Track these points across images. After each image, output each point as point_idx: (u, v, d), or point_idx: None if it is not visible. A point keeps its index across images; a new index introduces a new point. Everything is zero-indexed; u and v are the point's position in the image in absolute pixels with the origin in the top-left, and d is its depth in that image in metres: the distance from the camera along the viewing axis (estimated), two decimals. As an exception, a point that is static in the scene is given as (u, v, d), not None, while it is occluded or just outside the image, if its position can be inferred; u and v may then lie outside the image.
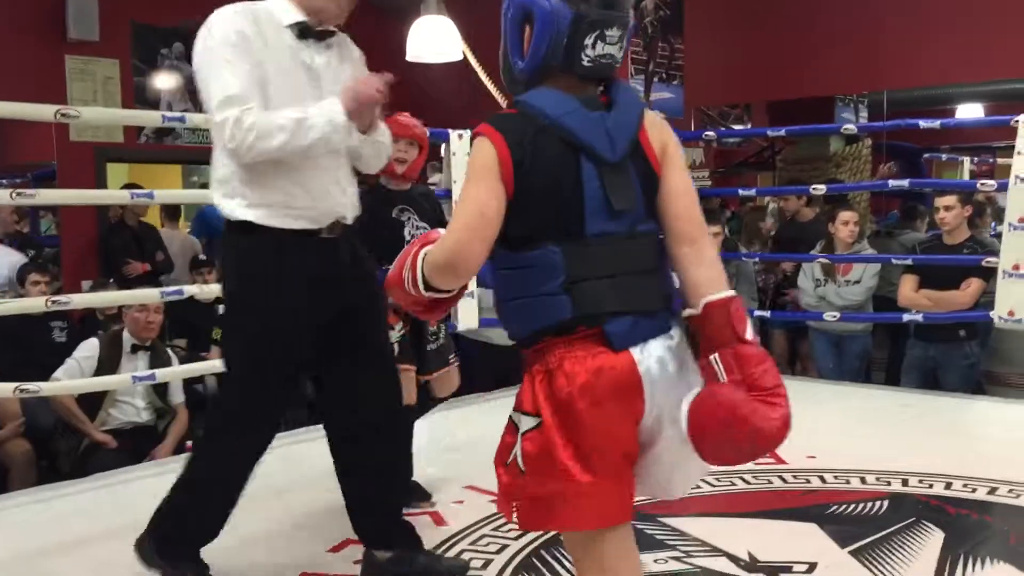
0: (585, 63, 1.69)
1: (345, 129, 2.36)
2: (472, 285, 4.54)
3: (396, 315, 3.09)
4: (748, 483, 3.46)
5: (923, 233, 6.21)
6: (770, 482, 3.48)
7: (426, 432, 4.00)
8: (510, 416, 1.72)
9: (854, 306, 5.33)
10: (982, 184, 5.06)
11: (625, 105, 1.74)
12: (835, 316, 5.16)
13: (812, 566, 2.72)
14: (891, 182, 5.36)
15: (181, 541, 2.54)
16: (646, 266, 1.72)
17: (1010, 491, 3.31)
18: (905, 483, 3.43)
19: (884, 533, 2.94)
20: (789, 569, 2.71)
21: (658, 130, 1.76)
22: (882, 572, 2.67)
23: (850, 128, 5.81)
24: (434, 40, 5.76)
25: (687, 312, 1.69)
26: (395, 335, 3.08)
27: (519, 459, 1.67)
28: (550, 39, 1.68)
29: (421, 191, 3.54)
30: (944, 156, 10.04)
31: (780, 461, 3.64)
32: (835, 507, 3.22)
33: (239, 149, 2.28)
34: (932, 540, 2.89)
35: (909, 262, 5.02)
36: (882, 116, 8.13)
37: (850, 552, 2.82)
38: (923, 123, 4.90)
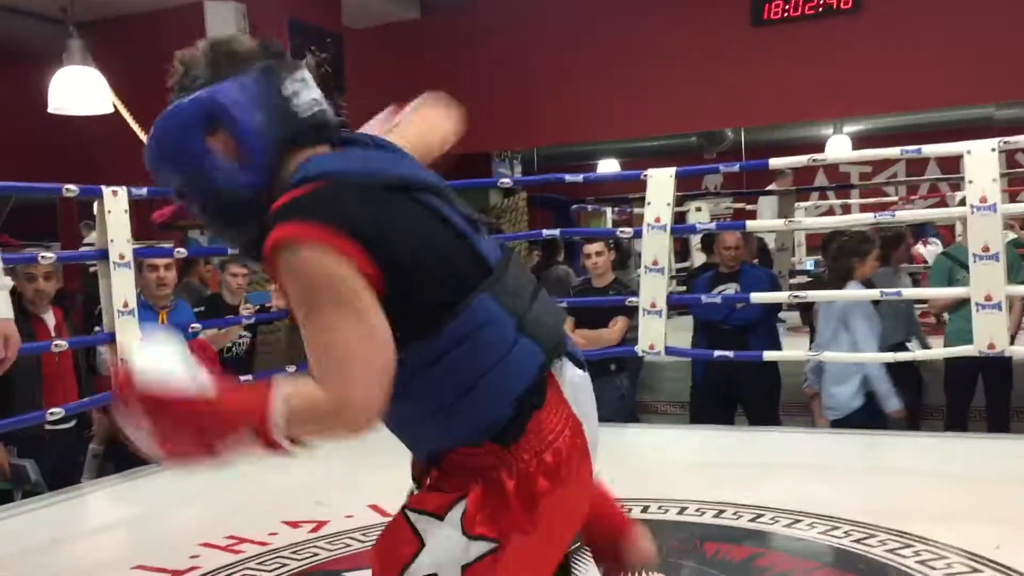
0: (312, 111, 1.46)
1: None
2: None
3: None
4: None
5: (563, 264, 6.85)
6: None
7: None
8: (411, 521, 1.38)
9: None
10: (621, 231, 5.60)
11: (393, 149, 1.52)
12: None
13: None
14: (544, 232, 5.77)
15: None
16: (534, 285, 1.51)
17: (659, 508, 3.66)
18: (571, 510, 3.68)
19: (555, 560, 3.13)
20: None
21: None
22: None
23: (506, 182, 6.19)
24: (79, 91, 5.41)
25: None
26: None
27: None
28: (258, 106, 1.44)
29: None
30: (590, 207, 11.01)
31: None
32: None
33: None
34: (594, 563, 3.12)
35: (564, 304, 5.43)
36: (533, 171, 8.77)
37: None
38: (568, 177, 5.34)
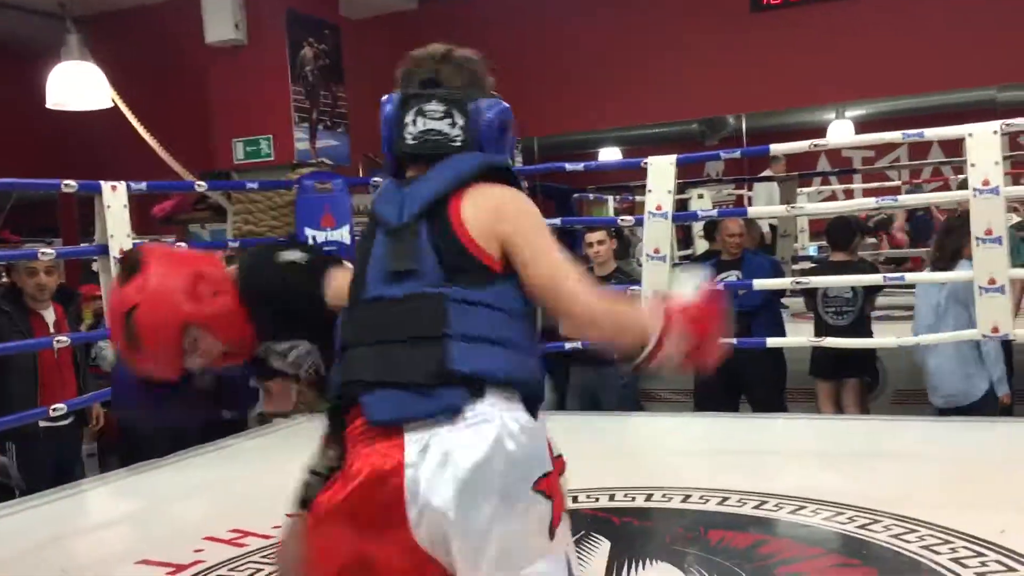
0: (409, 141, 1.71)
1: None
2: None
3: None
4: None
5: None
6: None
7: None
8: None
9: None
10: (622, 220, 5.58)
11: (434, 175, 1.69)
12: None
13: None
14: (546, 221, 5.74)
15: None
16: (419, 332, 1.58)
17: (663, 496, 3.66)
18: (575, 499, 3.67)
19: (558, 549, 3.13)
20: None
21: (485, 198, 1.68)
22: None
23: (506, 172, 6.17)
24: (78, 86, 5.40)
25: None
26: None
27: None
28: (389, 127, 1.73)
29: None
30: (592, 196, 10.96)
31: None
32: (514, 531, 3.36)
33: None
34: (600, 550, 3.12)
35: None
36: (533, 160, 8.73)
37: (529, 572, 2.96)
38: (568, 166, 5.32)
